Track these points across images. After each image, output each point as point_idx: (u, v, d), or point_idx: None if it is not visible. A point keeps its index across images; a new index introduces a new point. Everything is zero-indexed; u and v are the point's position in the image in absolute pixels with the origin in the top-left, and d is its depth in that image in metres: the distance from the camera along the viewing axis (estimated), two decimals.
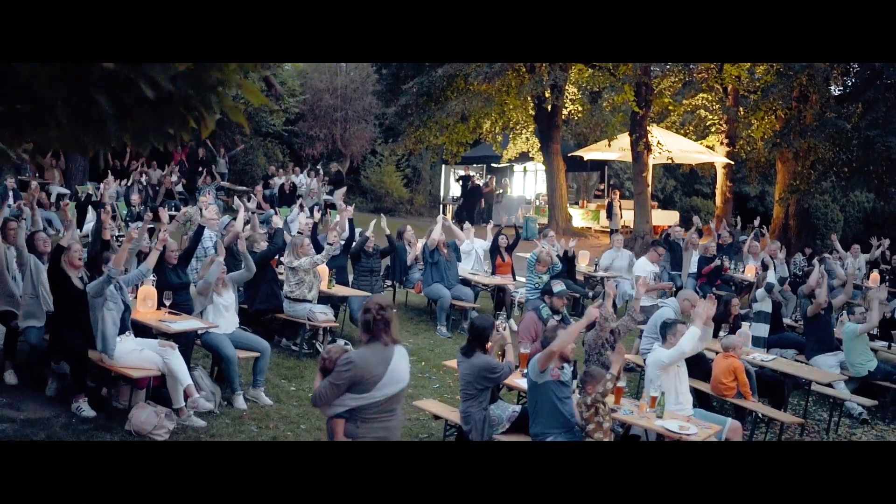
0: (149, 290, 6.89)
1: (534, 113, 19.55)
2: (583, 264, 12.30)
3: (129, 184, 16.93)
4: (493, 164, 24.46)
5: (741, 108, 19.36)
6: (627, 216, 20.05)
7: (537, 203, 22.67)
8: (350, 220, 10.17)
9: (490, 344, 6.00)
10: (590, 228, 21.15)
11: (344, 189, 22.03)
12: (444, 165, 25.64)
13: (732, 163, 19.80)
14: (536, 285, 8.86)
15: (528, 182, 25.56)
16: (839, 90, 18.60)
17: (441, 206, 23.67)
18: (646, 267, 10.29)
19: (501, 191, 24.45)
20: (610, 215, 20.64)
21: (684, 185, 31.71)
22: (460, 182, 24.26)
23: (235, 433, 6.33)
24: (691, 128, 21.52)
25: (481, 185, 23.50)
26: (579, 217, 21.46)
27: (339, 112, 26.43)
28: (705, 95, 20.06)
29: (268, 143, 25.87)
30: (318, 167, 23.45)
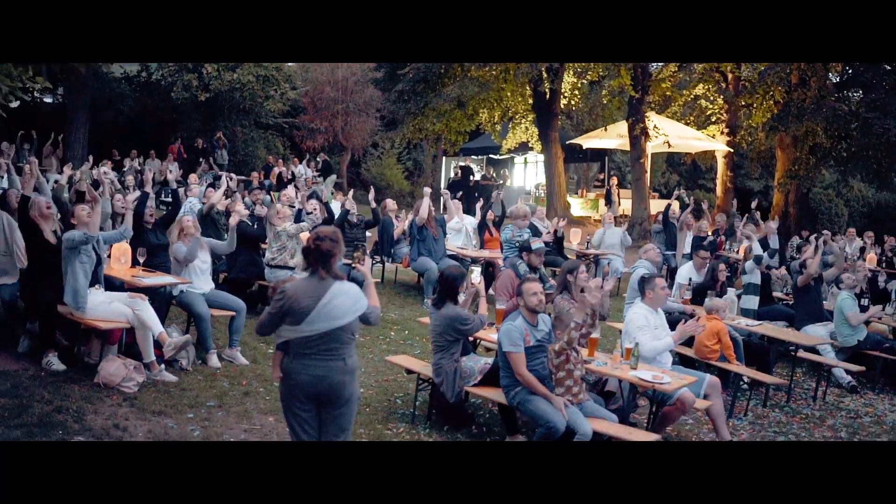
0: (123, 247, 6.85)
1: (532, 101, 19.46)
2: (574, 242, 12.22)
3: (124, 169, 16.99)
4: (492, 156, 24.37)
5: (741, 99, 19.23)
6: (626, 205, 19.94)
7: (537, 193, 22.58)
8: (325, 204, 10.17)
9: (464, 298, 5.93)
10: (589, 217, 21.04)
11: (333, 177, 22.05)
12: (444, 157, 25.56)
13: (732, 150, 19.65)
14: (515, 243, 8.76)
15: (528, 173, 25.46)
16: (838, 78, 18.43)
17: (441, 198, 23.55)
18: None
19: (501, 182, 24.36)
20: (608, 202, 20.51)
21: (687, 179, 31.56)
22: (460, 173, 24.18)
23: (207, 388, 6.27)
24: (692, 118, 21.40)
25: (478, 178, 23.39)
26: (578, 206, 21.36)
27: (340, 104, 26.41)
28: (705, 85, 19.96)
29: (269, 135, 25.90)
30: (317, 158, 23.46)
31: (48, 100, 24.10)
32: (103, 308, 6.10)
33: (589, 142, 20.63)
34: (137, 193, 7.07)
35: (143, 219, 7.39)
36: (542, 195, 21.49)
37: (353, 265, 4.63)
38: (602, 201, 21.17)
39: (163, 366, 6.29)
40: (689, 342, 7.36)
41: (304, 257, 4.05)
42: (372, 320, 4.15)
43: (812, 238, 11.35)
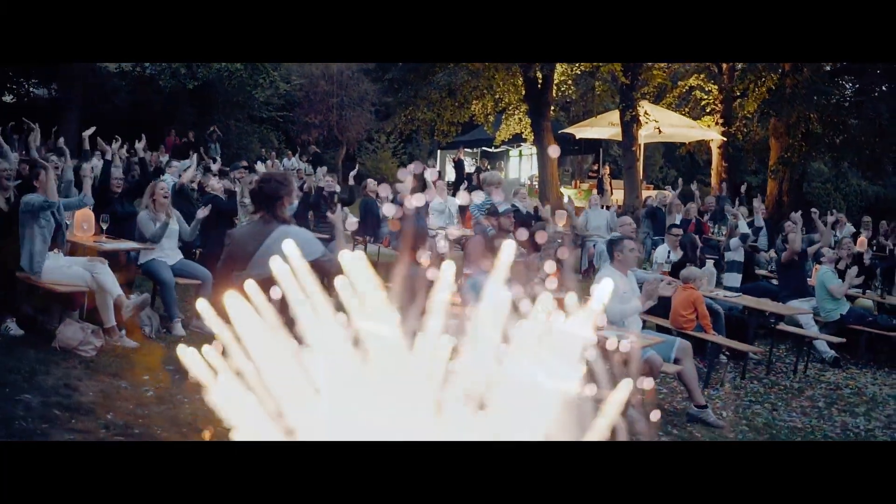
0: (86, 213, 6.76)
1: (524, 91, 19.32)
2: (560, 224, 12.08)
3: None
4: (486, 149, 24.27)
5: (735, 87, 19.09)
6: (619, 196, 19.78)
7: (532, 185, 22.43)
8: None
9: (427, 261, 5.81)
10: (582, 208, 20.86)
11: (324, 169, 21.99)
12: (439, 151, 25.48)
13: (726, 140, 19.50)
14: (486, 209, 8.63)
15: (523, 166, 25.37)
16: (831, 67, 18.28)
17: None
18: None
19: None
20: (601, 192, 20.34)
21: (685, 174, 31.42)
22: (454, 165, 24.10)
23: (168, 354, 6.15)
24: (686, 110, 21.25)
25: (471, 171, 23.24)
26: (572, 197, 21.19)
27: (334, 98, 26.34)
28: (699, 76, 19.83)
29: (263, 129, 25.85)
30: (308, 150, 23.45)
31: (40, 93, 24.13)
32: (61, 272, 6.00)
33: (582, 131, 20.49)
34: (98, 162, 7.00)
35: (110, 188, 7.32)
36: (537, 187, 21.34)
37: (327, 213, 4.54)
38: (595, 191, 20.99)
39: (123, 331, 6.18)
40: (665, 313, 7.23)
41: (251, 200, 3.97)
42: (333, 269, 4.01)
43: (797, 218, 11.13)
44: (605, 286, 3.59)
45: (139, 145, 8.02)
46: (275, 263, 3.65)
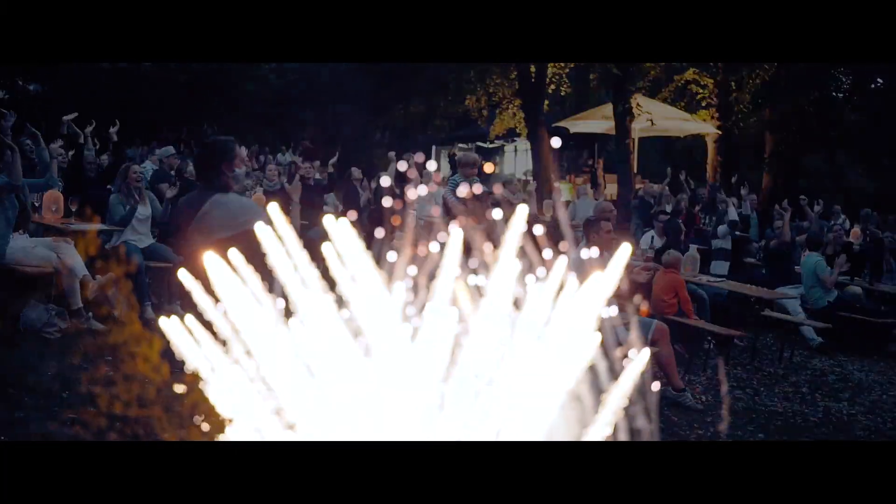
0: (56, 195, 6.64)
1: (517, 85, 19.19)
2: (547, 215, 11.97)
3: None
4: (481, 144, 24.15)
5: (731, 80, 18.94)
6: (613, 189, 19.64)
7: (526, 179, 22.29)
8: None
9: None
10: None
11: (317, 163, 21.90)
12: (434, 146, 25.37)
13: (721, 133, 19.37)
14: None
15: (518, 161, 25.26)
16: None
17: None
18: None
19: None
20: (594, 185, 20.20)
21: (682, 170, 31.28)
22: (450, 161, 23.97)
23: (135, 337, 6.04)
24: (683, 104, 21.11)
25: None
26: (566, 191, 21.07)
27: (329, 94, 26.22)
28: (694, 71, 19.71)
29: (258, 126, 25.71)
30: (300, 146, 23.36)
31: (32, 89, 24.05)
32: (26, 252, 5.89)
33: (575, 125, 20.35)
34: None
35: (84, 173, 7.22)
36: (530, 181, 21.19)
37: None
38: (589, 185, 20.84)
39: (90, 314, 6.06)
40: (647, 297, 7.10)
41: (193, 166, 3.88)
42: None
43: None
44: (624, 252, 3.07)
45: (112, 130, 7.86)
46: (225, 230, 3.38)
